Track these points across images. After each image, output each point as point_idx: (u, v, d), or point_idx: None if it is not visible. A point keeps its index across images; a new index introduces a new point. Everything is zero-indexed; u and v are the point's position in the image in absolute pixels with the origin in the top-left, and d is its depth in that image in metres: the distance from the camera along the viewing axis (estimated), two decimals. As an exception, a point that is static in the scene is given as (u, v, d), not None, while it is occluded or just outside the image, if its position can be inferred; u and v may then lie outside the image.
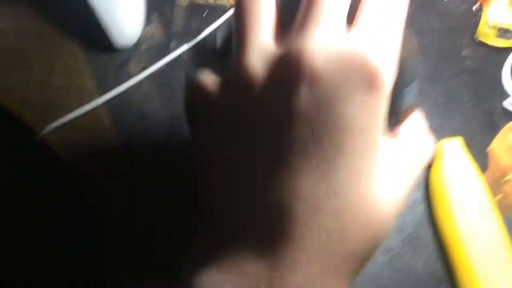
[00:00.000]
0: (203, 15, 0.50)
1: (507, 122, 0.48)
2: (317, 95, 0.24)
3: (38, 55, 0.49)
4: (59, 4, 0.50)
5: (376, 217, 0.26)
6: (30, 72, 0.49)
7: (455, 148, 0.43)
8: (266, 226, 0.25)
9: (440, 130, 0.48)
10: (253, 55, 0.26)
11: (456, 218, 0.42)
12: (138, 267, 0.43)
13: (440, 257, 0.45)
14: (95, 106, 0.47)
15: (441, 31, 0.50)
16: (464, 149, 0.44)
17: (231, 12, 0.49)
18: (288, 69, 0.24)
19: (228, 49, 0.28)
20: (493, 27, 0.48)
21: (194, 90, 0.28)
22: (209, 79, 0.28)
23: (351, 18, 0.26)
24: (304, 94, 0.24)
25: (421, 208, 0.46)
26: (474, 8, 0.50)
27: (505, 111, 0.48)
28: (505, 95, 0.48)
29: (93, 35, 0.48)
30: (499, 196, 0.46)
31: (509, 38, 0.48)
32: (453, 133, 0.47)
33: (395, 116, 0.27)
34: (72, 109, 0.47)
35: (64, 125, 0.47)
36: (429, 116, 0.48)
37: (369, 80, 0.24)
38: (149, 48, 0.49)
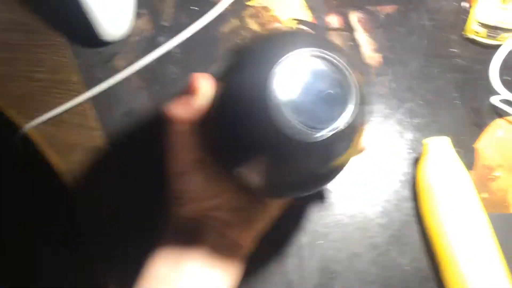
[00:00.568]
0: (193, 10, 0.50)
1: (494, 119, 0.48)
2: None
3: (23, 48, 0.48)
4: (45, -3, 0.49)
5: None
6: (15, 66, 0.48)
7: (442, 146, 0.43)
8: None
9: (428, 127, 0.48)
10: None
11: (443, 216, 0.42)
12: (118, 260, 0.43)
13: (426, 254, 0.45)
14: (81, 102, 0.47)
15: (431, 28, 0.50)
16: (451, 147, 0.44)
17: (221, 6, 0.48)
18: None
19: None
20: (482, 25, 0.47)
21: None
22: None
23: None
24: None
25: (408, 205, 0.46)
26: (462, 5, 0.50)
27: (493, 108, 0.48)
28: (492, 92, 0.48)
29: (80, 28, 0.48)
30: (485, 194, 0.46)
31: (497, 36, 0.48)
32: (441, 130, 0.47)
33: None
34: (57, 104, 0.46)
35: (49, 120, 0.46)
36: (417, 114, 0.48)
37: None
38: (137, 43, 0.49)
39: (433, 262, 0.44)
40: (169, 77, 0.48)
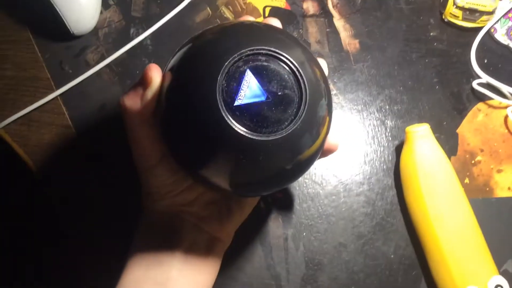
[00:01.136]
0: (163, -1, 0.48)
1: (475, 104, 0.47)
2: None
3: (-15, 44, 0.46)
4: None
5: None
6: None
7: (423, 134, 0.43)
8: None
9: (408, 114, 0.47)
10: None
11: (426, 203, 0.42)
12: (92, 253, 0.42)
13: (411, 242, 0.45)
14: (51, 99, 0.45)
15: (408, 12, 0.49)
16: (432, 135, 0.43)
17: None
18: None
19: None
20: (460, 8, 0.47)
21: None
22: None
23: None
24: None
25: (391, 194, 0.45)
26: (441, -12, 0.49)
27: (474, 92, 0.47)
28: (473, 76, 0.48)
29: (46, 21, 0.45)
30: (466, 180, 0.46)
31: (476, 19, 0.47)
32: (422, 116, 0.47)
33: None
34: (25, 103, 0.44)
35: (18, 120, 0.44)
36: (397, 100, 0.48)
37: None
38: (107, 35, 0.47)
39: (417, 250, 0.44)
40: (142, 70, 0.46)
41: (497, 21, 0.48)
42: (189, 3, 0.47)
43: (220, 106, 0.25)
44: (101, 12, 0.47)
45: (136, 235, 0.35)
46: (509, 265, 0.45)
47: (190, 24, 0.47)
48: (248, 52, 0.25)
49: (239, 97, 0.25)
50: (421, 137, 0.42)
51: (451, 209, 0.42)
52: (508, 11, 0.48)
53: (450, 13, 0.47)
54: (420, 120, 0.47)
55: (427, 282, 0.44)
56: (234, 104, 0.25)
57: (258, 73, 0.26)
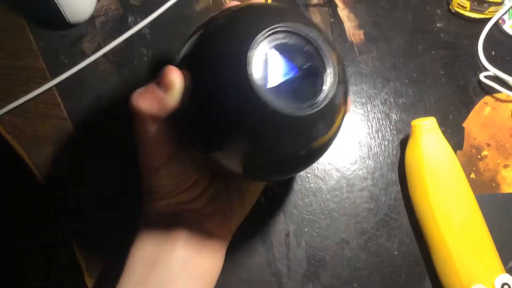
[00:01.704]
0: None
1: (482, 97, 0.46)
2: None
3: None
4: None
5: None
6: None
7: (429, 128, 0.41)
8: None
9: (414, 107, 0.46)
10: None
11: (431, 199, 0.41)
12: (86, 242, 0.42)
13: (415, 238, 0.44)
14: (47, 89, 0.43)
15: (415, 2, 0.48)
16: (438, 129, 0.42)
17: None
18: None
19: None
20: (469, -2, 0.46)
21: None
22: None
23: None
24: None
25: (395, 189, 0.44)
26: (449, -23, 0.48)
27: (481, 85, 0.46)
28: (479, 68, 0.47)
29: (41, 8, 0.44)
30: (472, 175, 0.45)
31: (484, 10, 0.46)
32: (427, 109, 0.46)
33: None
34: (19, 93, 0.43)
35: (12, 110, 0.43)
36: (403, 93, 0.47)
37: None
38: (104, 24, 0.45)
39: (422, 246, 0.44)
40: (139, 60, 0.45)
41: (506, 12, 0.47)
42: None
43: (254, 85, 0.24)
44: (98, 0, 0.45)
45: (140, 224, 0.35)
46: (515, 263, 0.44)
47: (189, 13, 0.46)
48: (271, 31, 0.25)
49: (273, 77, 0.25)
50: (427, 131, 0.41)
51: (457, 205, 0.41)
52: (517, 2, 0.47)
53: (458, 3, 0.46)
54: (426, 113, 0.46)
55: (431, 280, 0.43)
56: (271, 85, 0.25)
57: (284, 50, 0.26)
